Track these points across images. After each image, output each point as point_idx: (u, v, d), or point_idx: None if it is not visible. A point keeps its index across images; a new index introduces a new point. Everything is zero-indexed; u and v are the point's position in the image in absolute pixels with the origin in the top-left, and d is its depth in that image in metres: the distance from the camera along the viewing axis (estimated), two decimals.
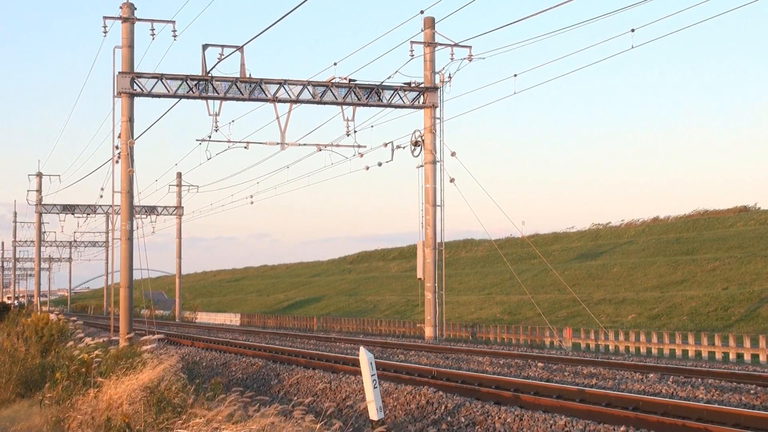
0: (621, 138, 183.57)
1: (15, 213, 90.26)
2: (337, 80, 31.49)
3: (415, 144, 32.74)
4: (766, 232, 49.74)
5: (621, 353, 27.30)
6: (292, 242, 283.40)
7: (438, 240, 32.64)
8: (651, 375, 16.94)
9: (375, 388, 10.77)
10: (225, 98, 30.58)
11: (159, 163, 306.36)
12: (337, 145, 34.06)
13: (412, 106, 32.73)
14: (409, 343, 29.70)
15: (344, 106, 32.40)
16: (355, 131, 32.91)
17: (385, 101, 32.26)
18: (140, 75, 29.59)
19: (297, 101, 31.35)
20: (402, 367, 18.71)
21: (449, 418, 12.69)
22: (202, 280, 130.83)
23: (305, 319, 53.14)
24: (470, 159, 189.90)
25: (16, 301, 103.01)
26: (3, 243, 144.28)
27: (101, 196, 49.78)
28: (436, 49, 32.42)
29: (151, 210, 65.96)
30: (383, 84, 31.94)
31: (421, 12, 30.73)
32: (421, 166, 32.60)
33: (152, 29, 29.60)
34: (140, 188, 40.70)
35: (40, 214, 69.39)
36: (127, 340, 25.59)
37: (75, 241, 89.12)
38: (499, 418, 12.13)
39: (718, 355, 25.09)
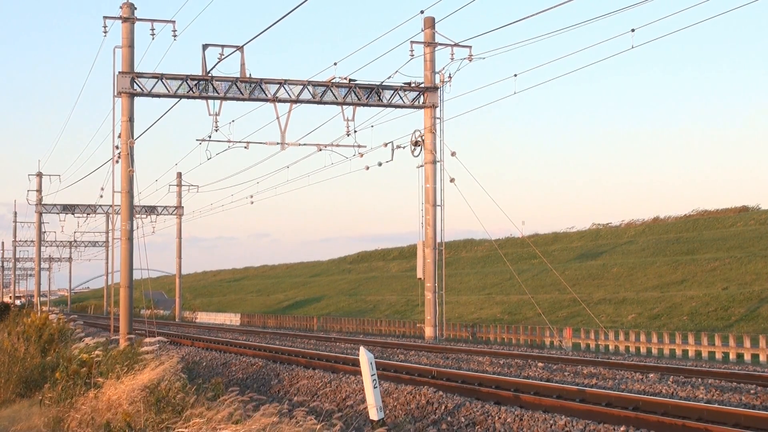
0: (621, 138, 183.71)
1: (15, 213, 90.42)
2: (337, 80, 31.48)
3: (415, 144, 32.74)
4: (766, 232, 49.73)
5: (621, 353, 27.30)
6: (292, 242, 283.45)
7: (438, 240, 32.64)
8: (651, 375, 16.94)
9: (375, 388, 10.77)
10: (225, 98, 30.58)
11: (159, 163, 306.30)
12: (337, 145, 34.09)
13: (412, 106, 32.73)
14: (409, 343, 29.70)
15: (344, 106, 32.40)
16: (355, 131, 32.93)
17: (385, 101, 32.26)
18: (140, 75, 29.59)
19: (297, 101, 31.34)
20: (402, 367, 18.71)
21: (449, 418, 12.69)
22: (202, 280, 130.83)
23: (305, 319, 53.15)
24: (470, 159, 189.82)
25: (19, 301, 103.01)
26: (3, 243, 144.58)
27: (101, 196, 49.88)
28: (436, 49, 32.42)
29: (151, 210, 65.97)
30: (383, 84, 31.95)
31: (421, 12, 30.74)
32: (421, 166, 32.61)
33: (152, 29, 29.60)
34: (140, 188, 40.76)
35: (40, 214, 69.38)
36: (127, 340, 25.58)
37: (75, 241, 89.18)
38: (499, 418, 12.13)
39: (718, 355, 25.09)
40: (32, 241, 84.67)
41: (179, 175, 65.96)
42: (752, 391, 14.26)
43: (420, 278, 33.17)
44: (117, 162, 30.46)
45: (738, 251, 46.52)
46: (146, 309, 49.07)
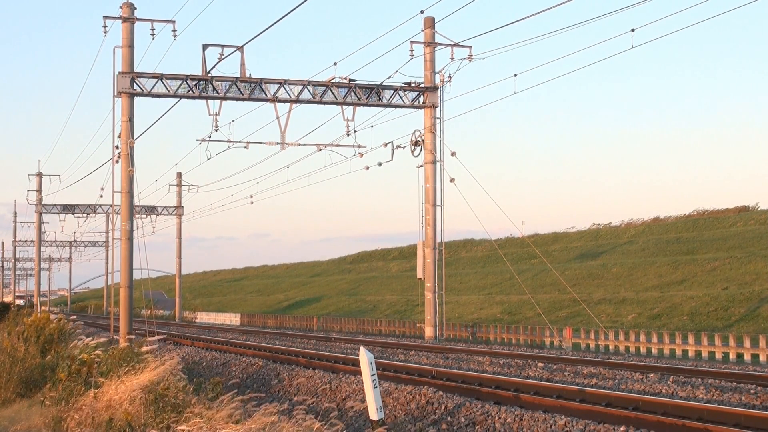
0: (621, 138, 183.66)
1: (15, 213, 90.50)
2: (337, 80, 31.48)
3: (415, 144, 32.74)
4: (766, 232, 49.74)
5: (621, 353, 27.30)
6: (292, 242, 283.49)
7: (438, 240, 32.65)
8: (651, 375, 16.94)
9: (375, 387, 10.77)
10: (225, 98, 30.59)
11: (159, 163, 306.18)
12: (337, 145, 34.10)
13: (412, 106, 32.74)
14: (409, 343, 29.70)
15: (344, 106, 32.40)
16: (355, 131, 32.94)
17: (385, 101, 32.27)
18: (140, 75, 29.59)
19: (297, 101, 31.35)
20: (402, 367, 18.71)
21: (449, 418, 12.69)
22: (202, 280, 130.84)
23: (305, 319, 53.15)
24: (470, 159, 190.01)
25: (21, 301, 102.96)
26: (3, 243, 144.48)
27: (101, 196, 49.85)
28: (436, 49, 32.43)
29: (151, 210, 65.97)
30: (383, 84, 31.95)
31: (421, 12, 30.74)
32: (421, 166, 32.61)
33: (152, 29, 29.62)
34: (140, 188, 40.75)
35: (40, 214, 69.38)
36: (127, 340, 25.59)
37: (75, 241, 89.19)
38: (499, 418, 12.13)
39: (718, 355, 25.09)
40: (32, 241, 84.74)
41: (179, 175, 65.97)
42: (752, 391, 14.26)
43: (420, 278, 33.18)
44: (117, 162, 30.47)
45: (738, 251, 46.53)
46: (146, 309, 49.08)
